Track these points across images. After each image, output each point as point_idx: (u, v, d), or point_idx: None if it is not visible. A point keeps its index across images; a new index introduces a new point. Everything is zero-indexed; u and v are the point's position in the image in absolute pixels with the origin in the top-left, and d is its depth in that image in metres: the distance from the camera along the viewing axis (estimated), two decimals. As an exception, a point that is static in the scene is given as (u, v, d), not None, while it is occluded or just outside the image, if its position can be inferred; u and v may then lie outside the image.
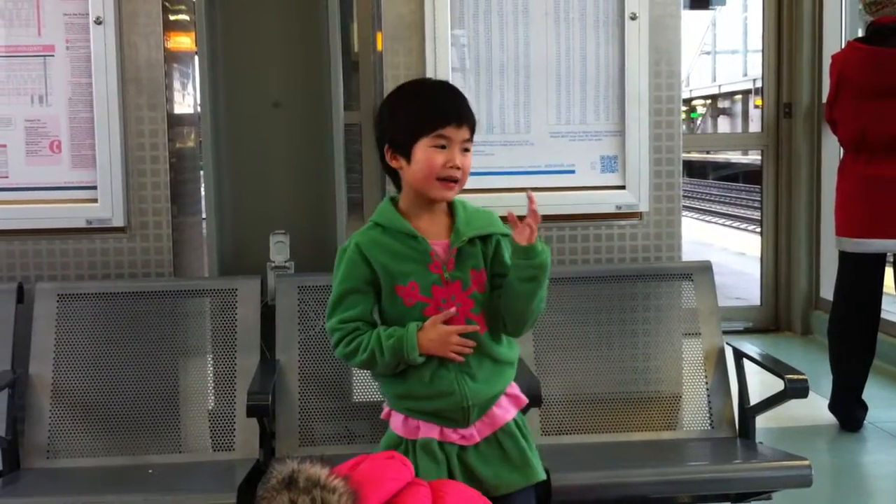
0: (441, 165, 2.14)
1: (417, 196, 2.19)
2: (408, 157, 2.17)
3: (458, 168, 2.15)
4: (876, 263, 4.14)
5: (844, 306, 4.24)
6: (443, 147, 2.15)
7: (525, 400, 2.32)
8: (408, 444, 2.22)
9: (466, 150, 2.18)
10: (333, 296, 2.21)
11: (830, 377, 4.30)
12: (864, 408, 4.23)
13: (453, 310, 2.15)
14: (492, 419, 2.22)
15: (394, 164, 2.20)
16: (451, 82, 2.34)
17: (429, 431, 2.19)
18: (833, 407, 4.27)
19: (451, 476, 2.17)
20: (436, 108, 2.18)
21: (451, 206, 2.24)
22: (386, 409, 2.29)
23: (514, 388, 2.30)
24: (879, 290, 4.20)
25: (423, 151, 2.15)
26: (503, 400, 2.25)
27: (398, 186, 2.25)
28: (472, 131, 2.20)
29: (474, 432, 2.20)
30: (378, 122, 2.27)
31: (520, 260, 2.15)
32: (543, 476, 2.30)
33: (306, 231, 3.34)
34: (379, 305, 2.21)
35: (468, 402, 2.17)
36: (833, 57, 4.35)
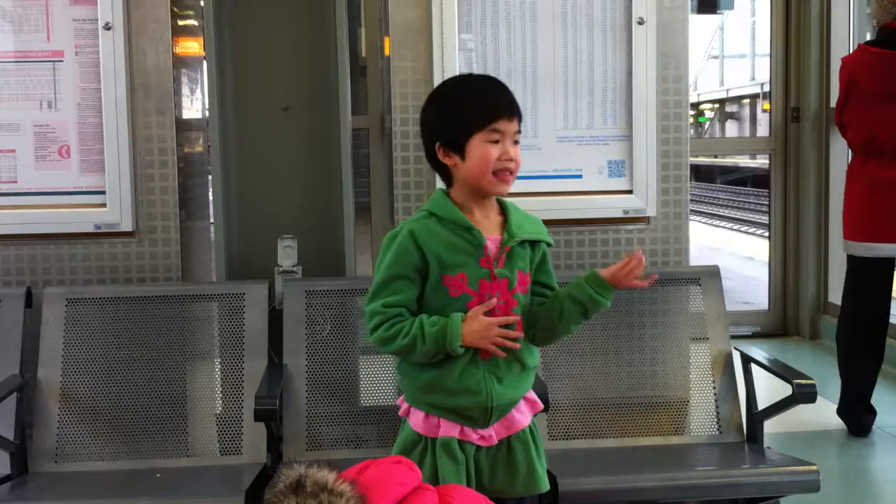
0: (496, 159, 2.15)
1: (472, 191, 2.20)
2: (462, 153, 2.17)
3: (512, 160, 2.17)
4: (884, 268, 4.13)
5: (852, 311, 4.23)
6: (496, 141, 2.16)
7: (541, 405, 2.33)
8: (427, 442, 2.21)
9: (517, 142, 2.20)
10: (378, 279, 2.18)
11: (838, 382, 4.29)
12: (873, 413, 4.22)
13: (494, 300, 2.16)
14: (510, 423, 2.23)
15: (447, 161, 2.20)
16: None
17: (449, 430, 2.19)
18: (841, 412, 4.26)
19: (467, 475, 2.17)
20: (488, 103, 2.19)
21: (501, 205, 2.25)
22: (404, 405, 2.28)
23: (532, 393, 2.31)
24: (888, 294, 4.19)
25: (479, 146, 2.15)
26: (522, 404, 2.26)
27: (448, 182, 2.25)
28: (521, 122, 2.22)
29: (493, 433, 2.21)
30: (424, 121, 2.27)
31: (595, 294, 2.20)
32: (547, 487, 2.30)
33: (314, 235, 3.35)
34: (421, 294, 2.19)
35: (492, 403, 2.17)
36: (843, 60, 4.34)
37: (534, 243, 2.24)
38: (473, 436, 2.19)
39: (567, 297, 2.23)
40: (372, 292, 2.20)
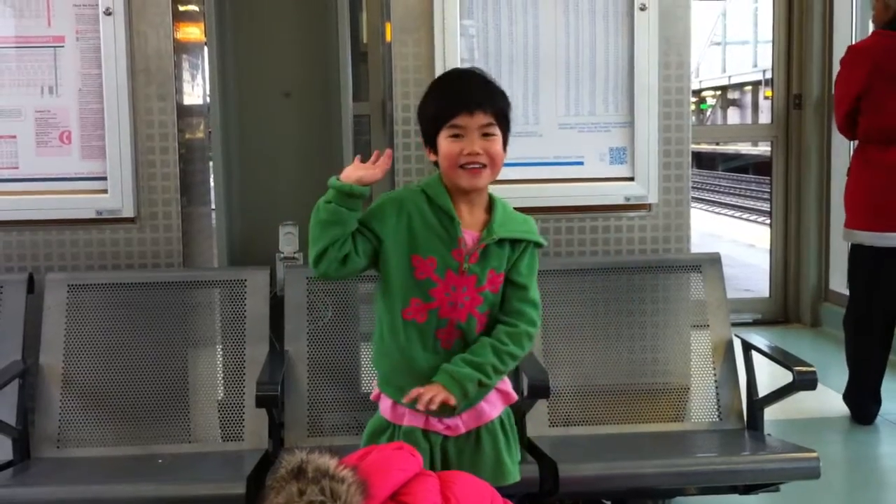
0: (458, 154, 2.16)
1: (453, 185, 2.20)
2: (436, 149, 2.21)
3: (478, 154, 2.16)
4: (889, 258, 4.11)
5: (863, 300, 4.21)
6: (458, 136, 2.16)
7: (515, 397, 2.33)
8: (394, 430, 2.24)
9: (488, 134, 2.18)
10: None
11: (840, 369, 4.29)
12: (878, 402, 4.21)
13: (389, 151, 2.19)
14: (479, 413, 2.24)
15: (431, 158, 2.24)
16: (480, 70, 2.35)
17: (414, 420, 2.21)
18: (847, 399, 4.25)
19: (431, 465, 2.18)
20: (445, 100, 2.21)
21: (492, 204, 2.25)
22: (376, 390, 2.31)
23: (506, 384, 2.30)
24: (893, 284, 4.16)
25: (443, 143, 2.18)
26: (492, 395, 2.26)
27: None
28: (496, 114, 2.20)
29: (460, 423, 2.22)
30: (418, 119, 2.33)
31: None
32: (516, 478, 2.29)
33: (315, 222, 3.34)
34: (386, 273, 2.20)
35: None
36: (855, 48, 4.30)
37: (515, 242, 2.23)
38: (439, 425, 2.21)
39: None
40: None
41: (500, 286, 2.22)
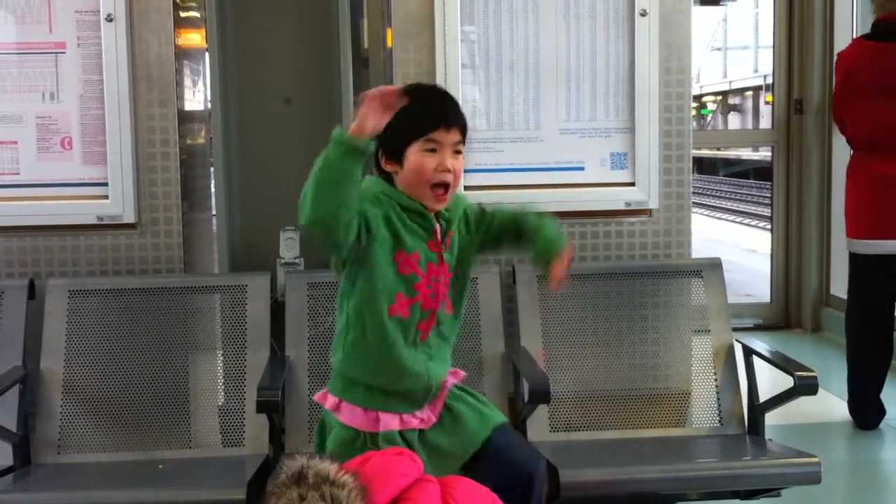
0: (432, 169, 2.16)
1: (410, 197, 2.21)
2: (400, 161, 2.19)
3: (450, 171, 2.18)
4: (889, 265, 4.11)
5: (857, 308, 4.21)
6: (433, 150, 2.17)
7: (462, 373, 2.40)
8: (366, 437, 2.22)
9: (458, 152, 2.21)
10: None
11: (841, 374, 4.28)
12: (882, 410, 4.19)
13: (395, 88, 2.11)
14: (437, 399, 2.30)
15: (388, 168, 2.22)
16: (445, 85, 2.38)
17: (389, 422, 2.22)
18: (850, 406, 4.25)
19: None
20: (425, 112, 2.19)
21: None
22: (333, 399, 2.27)
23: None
24: (892, 291, 4.17)
25: (415, 155, 2.17)
26: (448, 378, 2.34)
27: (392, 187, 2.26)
28: (464, 134, 2.23)
29: (430, 414, 2.27)
30: None
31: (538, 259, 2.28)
32: (503, 418, 2.37)
33: (316, 227, 3.34)
34: (369, 273, 2.18)
35: (431, 380, 2.25)
36: (840, 54, 4.32)
37: (460, 218, 2.31)
38: (414, 421, 2.25)
39: (525, 236, 2.33)
40: None
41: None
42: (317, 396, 2.34)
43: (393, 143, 2.19)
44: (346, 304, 2.23)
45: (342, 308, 2.25)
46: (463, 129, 2.22)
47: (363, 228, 2.12)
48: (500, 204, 2.39)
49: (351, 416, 2.24)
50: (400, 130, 2.16)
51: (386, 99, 2.03)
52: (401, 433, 2.23)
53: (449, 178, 2.18)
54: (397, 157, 2.19)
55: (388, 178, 2.25)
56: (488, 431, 2.29)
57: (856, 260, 4.21)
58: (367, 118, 2.02)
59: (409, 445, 2.22)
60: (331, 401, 2.28)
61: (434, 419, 2.28)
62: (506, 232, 2.36)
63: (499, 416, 2.36)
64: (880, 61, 4.00)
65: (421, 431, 2.26)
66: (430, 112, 2.19)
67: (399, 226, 2.18)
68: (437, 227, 2.23)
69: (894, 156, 4.01)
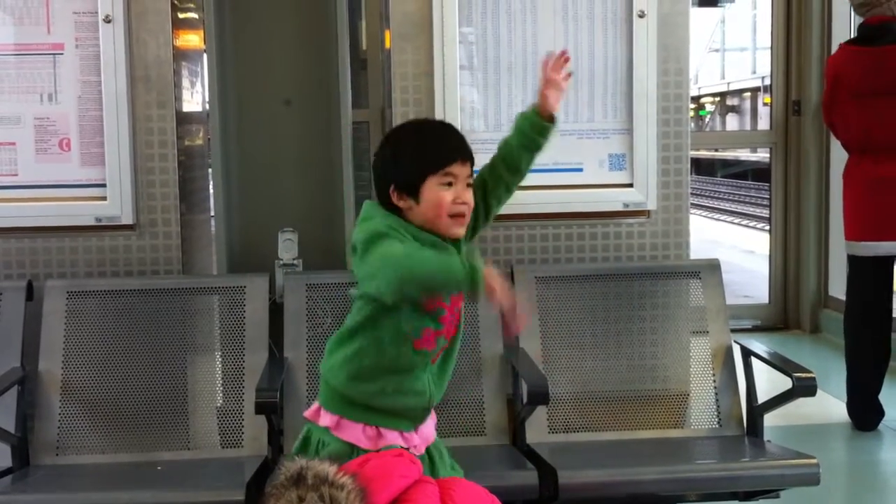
0: (451, 202, 2.17)
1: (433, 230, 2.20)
2: (416, 196, 2.18)
3: (466, 203, 2.19)
4: (886, 266, 4.12)
5: (856, 309, 4.22)
6: (450, 184, 2.18)
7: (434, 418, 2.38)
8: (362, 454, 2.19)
9: (469, 185, 2.22)
10: (369, 235, 2.12)
11: (839, 375, 4.29)
12: (881, 413, 4.19)
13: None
14: (427, 431, 2.30)
15: (401, 204, 2.19)
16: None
17: (393, 438, 2.20)
18: (848, 408, 4.25)
19: None
20: (442, 147, 2.21)
21: None
22: (332, 417, 2.23)
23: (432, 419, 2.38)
24: (890, 292, 4.18)
25: (432, 190, 2.17)
26: (430, 420, 2.33)
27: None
28: (473, 166, 2.24)
29: (418, 442, 2.25)
30: (379, 162, 2.26)
31: (541, 135, 2.30)
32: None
33: (315, 229, 3.35)
34: (398, 315, 2.16)
35: (431, 403, 2.25)
36: (828, 59, 4.35)
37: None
38: (414, 439, 2.24)
39: (522, 147, 2.33)
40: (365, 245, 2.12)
41: None
42: (307, 413, 2.29)
43: (407, 178, 2.18)
44: (362, 335, 2.19)
45: (354, 338, 2.21)
46: (472, 163, 2.24)
47: None
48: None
49: (351, 432, 2.21)
50: (415, 166, 2.17)
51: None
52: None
53: (464, 209, 2.19)
54: (412, 192, 2.17)
55: (393, 211, 2.21)
56: None
57: (854, 261, 4.22)
58: (496, 297, 1.97)
59: None
60: (328, 418, 2.23)
61: (422, 448, 2.25)
62: (496, 170, 2.33)
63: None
64: (865, 65, 4.02)
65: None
66: (446, 147, 2.21)
67: None
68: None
69: (887, 157, 4.02)
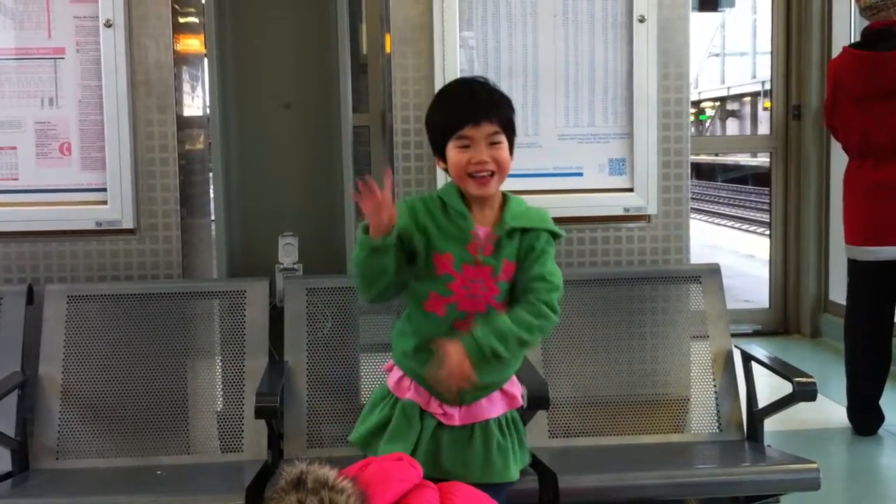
0: (466, 163, 2.23)
1: (465, 191, 2.28)
2: (444, 158, 2.28)
3: (485, 162, 2.23)
4: (886, 271, 4.11)
5: (856, 314, 4.22)
6: (466, 146, 2.23)
7: (520, 402, 2.38)
8: (393, 400, 2.32)
9: (495, 143, 2.24)
10: None
11: (840, 380, 4.28)
12: (881, 417, 4.19)
13: (387, 171, 2.25)
14: (477, 410, 2.30)
15: (440, 166, 2.32)
16: (484, 78, 2.38)
17: (417, 396, 2.28)
18: (848, 413, 4.24)
19: (417, 445, 2.25)
20: (451, 112, 2.27)
21: (505, 201, 2.32)
22: (390, 361, 2.39)
23: (513, 387, 2.36)
24: (891, 297, 4.17)
25: (451, 153, 2.25)
26: (496, 395, 2.32)
27: None
28: (501, 122, 2.26)
29: (456, 414, 2.28)
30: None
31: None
32: (508, 478, 2.33)
33: (315, 233, 3.35)
34: (413, 270, 2.27)
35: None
36: (830, 63, 4.35)
37: (526, 233, 2.28)
38: (437, 409, 2.27)
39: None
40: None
41: (513, 275, 2.28)
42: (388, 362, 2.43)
43: (435, 143, 2.30)
44: (405, 294, 2.32)
45: (409, 286, 2.32)
46: (499, 120, 2.25)
47: (407, 258, 2.24)
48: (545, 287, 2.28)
49: (392, 378, 2.35)
50: (437, 131, 2.29)
51: (374, 199, 2.12)
52: (422, 412, 2.28)
53: (486, 167, 2.23)
54: (442, 155, 2.29)
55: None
56: (480, 480, 2.27)
57: (855, 266, 4.21)
58: (370, 219, 2.14)
59: (423, 428, 2.26)
60: (389, 362, 2.40)
61: (457, 421, 2.28)
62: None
63: (504, 475, 2.32)
64: (866, 69, 4.02)
65: (440, 424, 2.28)
66: (455, 111, 2.26)
67: (433, 229, 2.26)
68: (479, 229, 2.26)
69: (887, 162, 4.01)
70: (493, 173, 2.24)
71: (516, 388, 2.37)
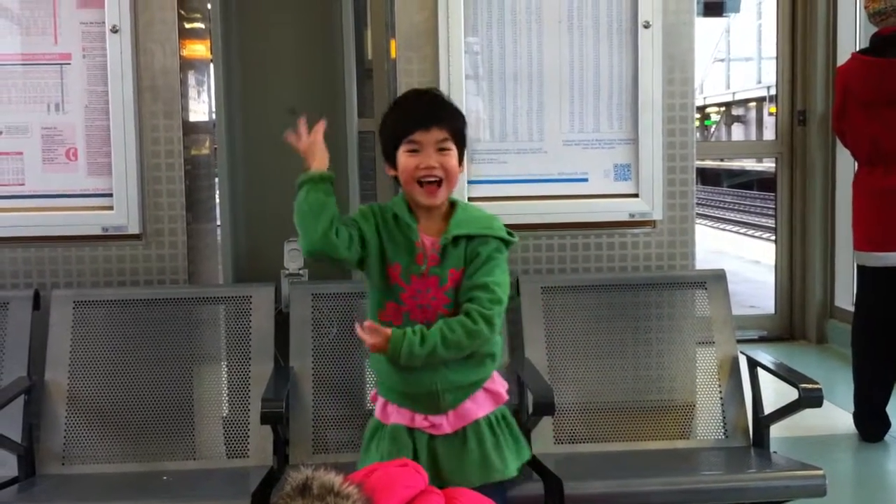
0: (414, 168, 2.27)
1: (412, 199, 2.32)
2: (394, 164, 2.32)
3: (433, 167, 2.26)
4: (895, 277, 4.10)
5: (864, 320, 4.21)
6: (415, 151, 2.27)
7: (505, 397, 2.40)
8: (383, 429, 2.34)
9: (444, 149, 2.28)
10: None
11: (846, 386, 4.27)
12: (887, 423, 4.18)
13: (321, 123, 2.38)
14: (464, 413, 2.32)
15: (390, 173, 2.35)
16: (448, 95, 2.46)
17: (399, 418, 2.31)
18: (855, 419, 4.23)
19: (415, 461, 2.24)
20: (402, 117, 2.33)
21: (452, 209, 2.35)
22: (374, 391, 2.44)
23: (496, 384, 2.38)
24: None
25: (401, 157, 2.29)
26: (479, 395, 2.34)
27: None
28: (452, 131, 2.30)
29: (444, 422, 2.30)
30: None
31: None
32: (507, 475, 2.36)
33: (320, 238, 3.35)
34: (369, 277, 2.34)
35: (438, 387, 2.27)
36: (838, 69, 4.34)
37: (471, 240, 2.30)
38: (423, 423, 2.30)
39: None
40: None
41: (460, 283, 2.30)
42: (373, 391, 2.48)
43: (386, 149, 2.33)
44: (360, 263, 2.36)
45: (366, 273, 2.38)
46: (449, 128, 2.29)
47: (360, 242, 2.29)
48: (481, 296, 2.28)
49: (378, 408, 2.39)
50: (389, 136, 2.32)
51: (307, 140, 2.35)
52: (409, 431, 2.30)
53: (433, 174, 2.27)
54: (392, 161, 2.32)
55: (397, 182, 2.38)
56: (481, 481, 2.29)
57: (864, 272, 4.21)
58: (306, 158, 2.35)
59: (416, 445, 2.28)
60: (373, 393, 2.46)
61: (447, 429, 2.30)
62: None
63: (503, 472, 2.34)
64: (874, 75, 4.01)
65: (431, 437, 2.30)
66: (407, 115, 2.32)
67: (385, 237, 2.31)
68: (424, 240, 2.29)
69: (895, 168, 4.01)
70: (440, 181, 2.27)
71: (500, 385, 2.40)
